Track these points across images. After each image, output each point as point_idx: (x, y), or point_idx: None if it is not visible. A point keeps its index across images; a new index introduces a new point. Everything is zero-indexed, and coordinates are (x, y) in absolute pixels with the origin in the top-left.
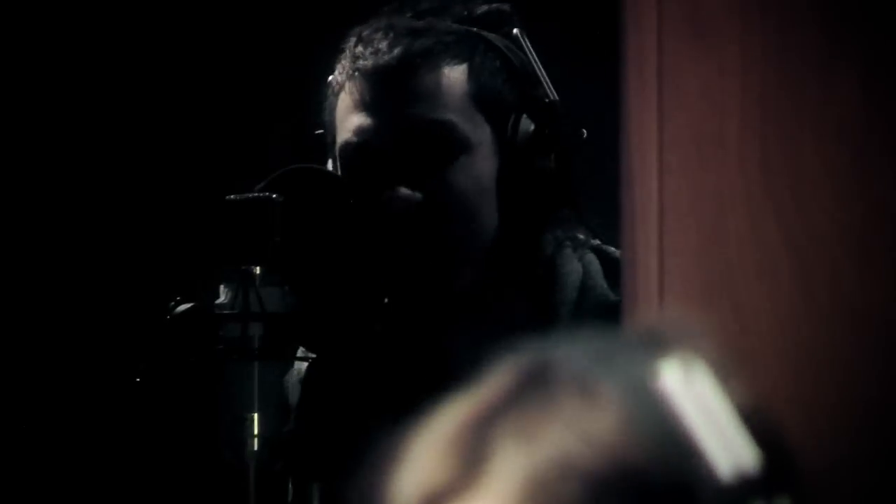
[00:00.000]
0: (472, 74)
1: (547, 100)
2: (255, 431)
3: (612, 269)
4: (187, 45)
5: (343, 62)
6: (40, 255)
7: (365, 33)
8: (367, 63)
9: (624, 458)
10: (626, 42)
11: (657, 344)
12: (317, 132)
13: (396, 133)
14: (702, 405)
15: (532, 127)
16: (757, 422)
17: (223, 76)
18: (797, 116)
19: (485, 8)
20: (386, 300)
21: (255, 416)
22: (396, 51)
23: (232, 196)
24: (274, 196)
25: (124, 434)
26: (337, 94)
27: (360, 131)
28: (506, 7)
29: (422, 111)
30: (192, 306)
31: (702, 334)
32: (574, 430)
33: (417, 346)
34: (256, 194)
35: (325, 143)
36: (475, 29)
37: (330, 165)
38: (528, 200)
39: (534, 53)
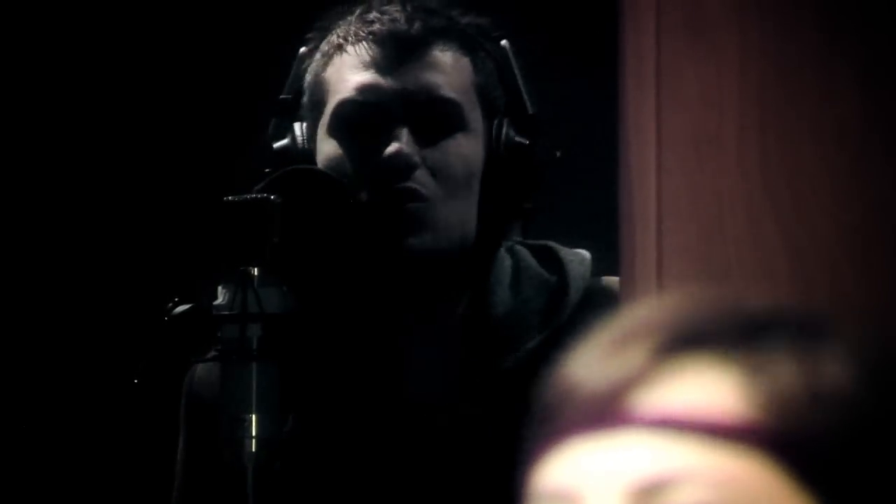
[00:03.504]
0: (476, 68)
1: (528, 112)
2: (253, 432)
3: (540, 253)
4: (184, 46)
5: (345, 27)
6: (39, 255)
7: (377, 3)
8: (382, 28)
9: (852, 390)
10: (625, 42)
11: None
12: (282, 97)
13: (405, 96)
14: None
15: (513, 135)
16: None
17: (221, 77)
18: (796, 116)
19: (467, 19)
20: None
21: (253, 417)
22: (415, 24)
23: (230, 197)
24: (272, 197)
25: (122, 435)
26: (330, 56)
27: (364, 89)
28: (484, 21)
29: (434, 83)
30: (190, 307)
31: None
32: (837, 366)
33: (373, 330)
34: (255, 195)
35: (291, 108)
36: (472, 30)
37: (298, 129)
38: (499, 203)
39: (517, 66)
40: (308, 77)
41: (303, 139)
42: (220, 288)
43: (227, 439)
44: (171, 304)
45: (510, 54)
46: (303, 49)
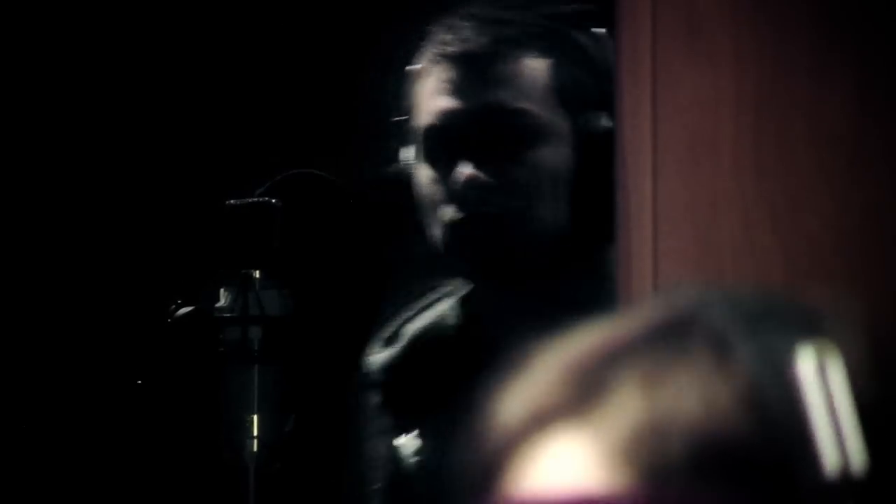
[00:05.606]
0: (555, 69)
1: None
2: (255, 433)
3: None
4: (190, 51)
5: (428, 49)
6: (45, 259)
7: (451, 21)
8: (453, 49)
9: (737, 428)
10: (621, 45)
11: (807, 323)
12: (396, 118)
13: (476, 117)
14: (827, 397)
15: (600, 124)
16: (879, 422)
17: (225, 82)
18: (791, 120)
19: (571, 7)
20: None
21: (255, 417)
22: (483, 38)
23: (232, 201)
24: (273, 201)
25: (126, 435)
26: (419, 80)
27: (442, 115)
28: (591, 7)
29: (502, 98)
30: (192, 309)
31: (852, 323)
32: (696, 390)
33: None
34: (256, 199)
35: (405, 129)
36: (561, 25)
37: (412, 151)
38: (597, 198)
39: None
40: (408, 101)
41: (407, 163)
42: (222, 290)
43: (228, 440)
44: (173, 307)
45: (606, 42)
46: (410, 68)
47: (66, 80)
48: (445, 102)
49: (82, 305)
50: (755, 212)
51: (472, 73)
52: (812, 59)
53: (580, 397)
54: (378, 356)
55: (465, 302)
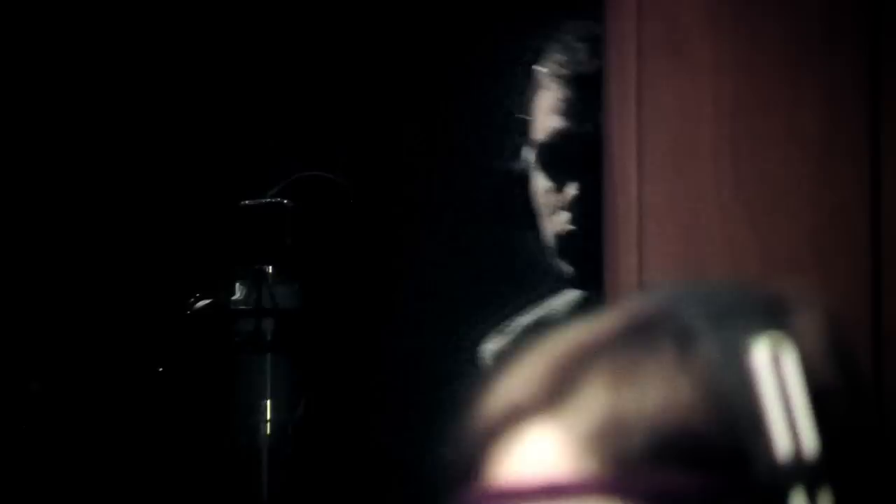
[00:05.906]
0: None
1: None
2: (268, 417)
3: None
4: (210, 60)
5: (546, 63)
6: (75, 255)
7: (568, 40)
8: (567, 71)
9: (695, 422)
10: (608, 58)
11: (772, 312)
12: (519, 115)
13: (586, 141)
14: (781, 386)
15: None
16: (833, 409)
17: (243, 90)
18: (766, 126)
19: None
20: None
21: (268, 402)
22: (597, 61)
23: (247, 201)
24: (285, 201)
25: (147, 419)
26: (536, 91)
27: (555, 134)
28: None
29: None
30: (210, 302)
31: (816, 311)
32: (657, 388)
33: None
34: (269, 200)
35: (526, 129)
36: None
37: (532, 153)
38: None
39: None
40: (530, 103)
41: (527, 163)
42: (237, 285)
43: (243, 423)
44: (192, 300)
45: None
46: (533, 67)
47: (99, 86)
48: (559, 122)
49: (108, 298)
50: (733, 210)
51: (585, 95)
52: (785, 70)
53: (553, 393)
54: (491, 345)
55: (573, 302)
